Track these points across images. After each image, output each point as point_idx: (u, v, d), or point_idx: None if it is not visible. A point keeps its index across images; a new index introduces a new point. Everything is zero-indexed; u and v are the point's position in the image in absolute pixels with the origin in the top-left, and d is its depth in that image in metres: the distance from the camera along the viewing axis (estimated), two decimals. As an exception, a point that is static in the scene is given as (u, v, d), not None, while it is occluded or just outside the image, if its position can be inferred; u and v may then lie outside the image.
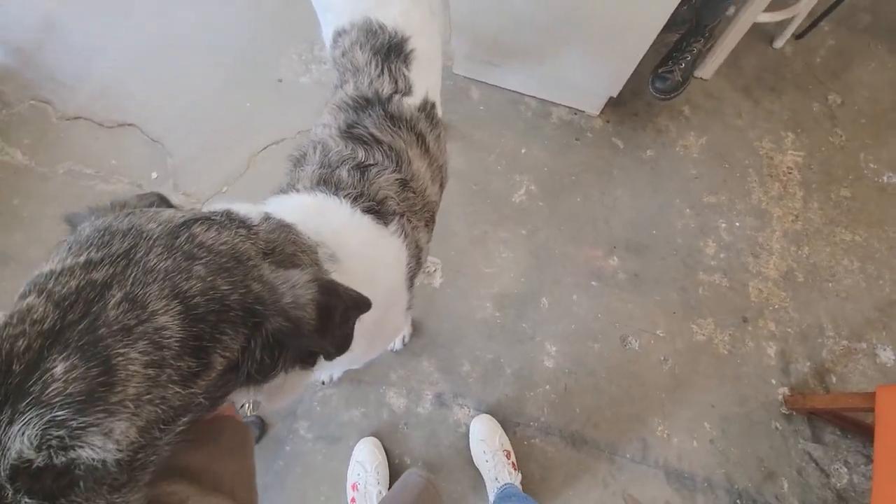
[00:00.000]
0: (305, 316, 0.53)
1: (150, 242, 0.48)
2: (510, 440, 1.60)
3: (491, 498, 1.51)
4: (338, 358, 0.63)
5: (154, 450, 0.46)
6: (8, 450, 0.38)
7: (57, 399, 0.39)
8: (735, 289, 1.85)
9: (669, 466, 1.61)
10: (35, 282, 0.45)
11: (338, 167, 0.90)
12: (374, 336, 0.90)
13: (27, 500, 0.39)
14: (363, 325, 0.66)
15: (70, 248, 0.48)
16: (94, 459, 0.40)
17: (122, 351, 0.42)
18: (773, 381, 1.74)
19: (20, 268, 1.69)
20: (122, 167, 1.93)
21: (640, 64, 1.74)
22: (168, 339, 0.44)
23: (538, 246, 1.87)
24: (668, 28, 1.62)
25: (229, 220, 0.57)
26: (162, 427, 0.45)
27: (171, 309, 0.45)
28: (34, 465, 0.39)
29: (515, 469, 1.54)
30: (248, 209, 0.65)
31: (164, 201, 0.65)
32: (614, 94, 1.95)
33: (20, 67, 2.08)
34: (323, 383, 1.63)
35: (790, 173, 2.04)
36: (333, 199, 0.84)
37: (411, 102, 1.01)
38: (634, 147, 2.06)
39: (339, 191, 0.86)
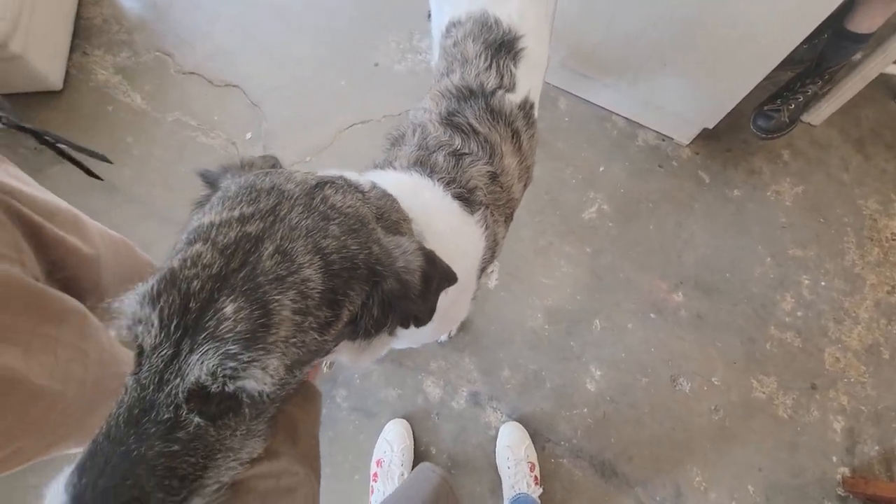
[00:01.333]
0: (413, 281, 0.58)
1: (292, 201, 0.54)
2: (538, 455, 1.57)
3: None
4: (414, 329, 0.66)
5: (286, 388, 0.53)
6: (187, 375, 0.45)
7: (229, 335, 0.45)
8: (808, 352, 1.72)
9: (702, 521, 1.52)
10: (198, 231, 0.51)
11: (435, 151, 0.93)
12: (443, 316, 0.92)
13: (196, 419, 0.46)
14: (440, 303, 0.69)
15: (223, 203, 0.54)
16: (254, 390, 0.46)
17: (277, 297, 0.47)
18: (834, 459, 1.59)
19: (125, 199, 1.87)
20: (222, 123, 2.08)
21: (742, 98, 1.66)
22: (312, 290, 0.50)
23: (601, 267, 1.82)
24: (782, 65, 1.53)
25: (347, 185, 0.61)
26: (299, 368, 0.51)
27: (314, 263, 0.50)
28: (207, 390, 0.45)
29: (537, 483, 1.52)
30: (356, 177, 0.70)
31: (278, 165, 0.72)
32: (710, 126, 1.86)
33: (152, 20, 2.29)
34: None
35: (894, 240, 1.87)
36: (427, 180, 0.87)
37: (513, 99, 1.02)
38: (721, 184, 1.96)
39: (433, 174, 0.89)
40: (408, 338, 0.90)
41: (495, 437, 1.60)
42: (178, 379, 0.45)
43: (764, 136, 1.87)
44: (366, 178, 0.71)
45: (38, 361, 0.65)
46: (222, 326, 0.45)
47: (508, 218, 1.06)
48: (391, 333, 0.65)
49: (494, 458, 1.58)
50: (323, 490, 0.65)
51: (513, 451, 1.54)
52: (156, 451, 0.44)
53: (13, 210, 0.70)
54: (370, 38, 2.24)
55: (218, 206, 0.53)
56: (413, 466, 1.57)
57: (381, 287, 0.57)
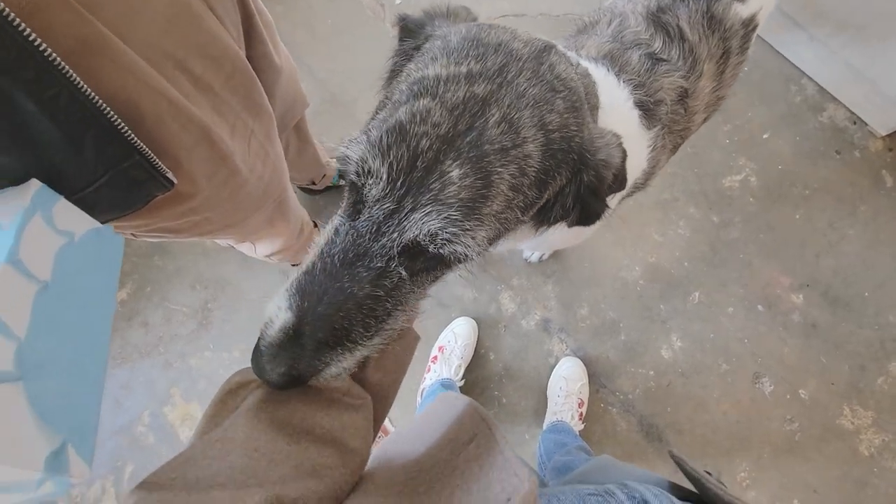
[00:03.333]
0: (609, 177, 0.55)
1: (521, 64, 0.50)
2: (589, 396, 1.59)
3: (545, 427, 1.56)
4: (526, 238, 0.67)
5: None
6: (406, 231, 0.46)
7: (453, 200, 0.45)
8: (924, 402, 1.53)
9: (731, 512, 1.51)
10: (424, 84, 0.49)
11: (630, 48, 0.82)
12: (565, 236, 0.89)
13: (402, 272, 0.49)
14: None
15: (448, 55, 0.51)
16: (462, 254, 0.47)
17: (499, 170, 0.46)
18: (902, 512, 1.48)
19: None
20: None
21: None
22: (529, 167, 0.49)
23: (723, 241, 1.66)
24: None
25: (565, 55, 0.56)
26: (494, 242, 0.52)
27: (537, 139, 0.49)
28: (420, 249, 0.47)
29: (581, 419, 1.55)
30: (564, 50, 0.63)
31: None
32: (926, 121, 1.53)
33: None
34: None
35: None
36: (614, 78, 0.78)
37: (741, 11, 0.87)
38: (905, 193, 1.65)
39: (622, 73, 0.80)
40: (526, 241, 0.88)
41: (553, 366, 1.63)
42: (396, 234, 0.46)
43: None
44: (571, 53, 0.64)
45: (238, 144, 0.69)
46: (448, 191, 0.45)
47: (675, 148, 0.96)
48: (570, 226, 0.63)
49: (546, 383, 1.62)
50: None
51: (567, 382, 1.56)
52: (365, 292, 0.48)
53: None
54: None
55: (442, 58, 0.51)
56: (470, 364, 1.66)
57: (581, 177, 0.54)
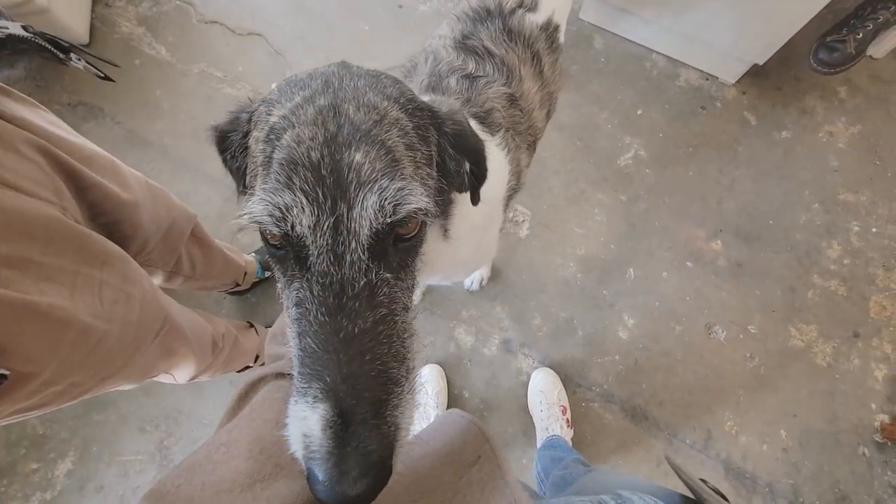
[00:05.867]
0: (463, 119, 0.61)
1: (337, 75, 0.54)
2: (568, 399, 1.61)
3: (539, 444, 1.55)
4: (443, 262, 0.72)
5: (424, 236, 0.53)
6: (361, 228, 0.45)
7: (373, 175, 0.46)
8: (852, 300, 1.66)
9: (731, 462, 1.54)
10: (276, 127, 0.50)
11: (447, 76, 0.89)
12: (475, 248, 0.92)
13: (386, 275, 0.47)
14: (468, 229, 0.75)
15: (277, 102, 0.53)
16: (420, 205, 0.47)
17: (387, 135, 0.49)
18: (873, 406, 1.57)
19: (157, 153, 1.90)
20: (246, 74, 2.05)
21: (799, 30, 1.52)
22: (406, 126, 0.52)
23: (636, 215, 1.77)
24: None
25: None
26: (437, 202, 0.54)
27: (393, 106, 0.52)
28: (381, 234, 0.46)
29: (569, 426, 1.56)
30: None
31: None
32: (760, 63, 1.73)
33: (170, -32, 2.22)
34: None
35: (958, 183, 1.74)
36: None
37: (534, 20, 0.96)
38: (769, 126, 1.84)
39: (446, 96, 0.86)
40: (446, 267, 0.90)
41: (527, 383, 1.64)
42: (354, 242, 0.45)
43: (825, 70, 1.73)
44: None
45: (84, 301, 0.66)
46: (363, 172, 0.45)
47: (531, 146, 1.03)
48: (471, 187, 0.66)
49: (526, 401, 1.62)
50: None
51: (545, 395, 1.58)
52: (371, 320, 0.44)
53: (52, 155, 0.71)
54: (393, -23, 2.13)
55: (275, 106, 0.52)
56: (446, 409, 1.63)
57: (444, 130, 0.59)
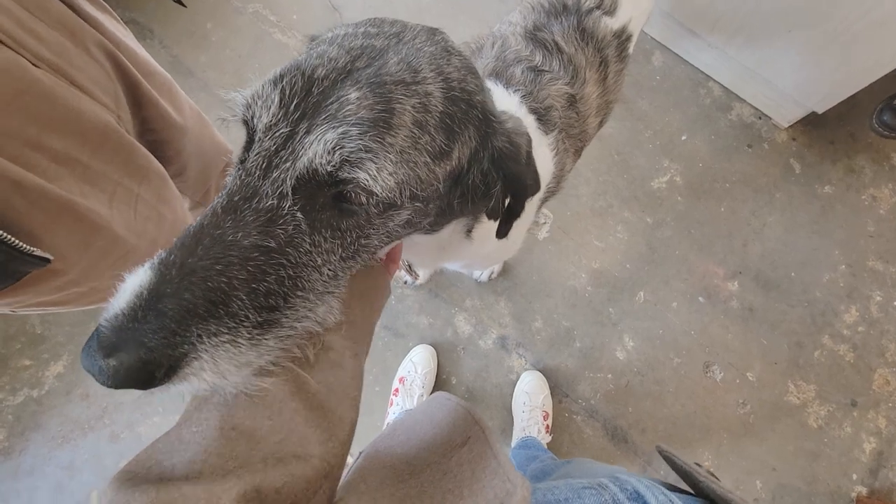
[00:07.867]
0: (523, 145, 0.55)
1: (414, 32, 0.51)
2: (553, 407, 1.61)
3: (513, 444, 1.56)
4: (465, 254, 0.67)
5: (388, 227, 0.49)
6: (301, 156, 0.42)
7: (350, 118, 0.42)
8: (858, 368, 1.63)
9: (701, 502, 1.54)
10: (321, 39, 0.50)
11: (513, 64, 0.87)
12: (501, 244, 0.91)
13: (299, 214, 0.43)
14: (491, 231, 0.69)
15: (346, 27, 0.52)
16: (365, 185, 0.42)
17: (401, 98, 0.45)
18: (854, 477, 1.56)
19: (198, 85, 1.90)
20: (299, 23, 2.03)
21: (867, 85, 1.47)
22: (433, 106, 0.47)
23: (658, 240, 1.75)
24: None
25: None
26: (408, 196, 0.46)
27: (437, 82, 0.48)
28: (317, 177, 0.42)
29: (548, 432, 1.57)
30: None
31: None
32: (819, 111, 1.68)
33: None
34: (406, 283, 1.72)
35: None
36: (503, 89, 0.83)
37: (610, 24, 0.94)
38: (813, 177, 1.79)
39: (509, 86, 0.84)
40: (466, 258, 0.89)
41: (515, 382, 1.64)
42: (289, 162, 0.42)
43: (886, 133, 1.68)
44: None
45: (120, 212, 0.68)
46: (345, 109, 0.42)
47: (578, 152, 1.01)
48: (501, 218, 0.61)
49: (510, 401, 1.63)
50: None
51: (530, 397, 1.58)
52: (251, 241, 0.40)
53: (118, 62, 0.71)
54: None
55: (339, 30, 0.51)
56: (433, 392, 1.64)
57: (492, 142, 0.53)
